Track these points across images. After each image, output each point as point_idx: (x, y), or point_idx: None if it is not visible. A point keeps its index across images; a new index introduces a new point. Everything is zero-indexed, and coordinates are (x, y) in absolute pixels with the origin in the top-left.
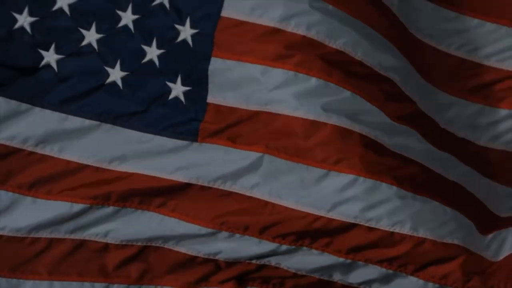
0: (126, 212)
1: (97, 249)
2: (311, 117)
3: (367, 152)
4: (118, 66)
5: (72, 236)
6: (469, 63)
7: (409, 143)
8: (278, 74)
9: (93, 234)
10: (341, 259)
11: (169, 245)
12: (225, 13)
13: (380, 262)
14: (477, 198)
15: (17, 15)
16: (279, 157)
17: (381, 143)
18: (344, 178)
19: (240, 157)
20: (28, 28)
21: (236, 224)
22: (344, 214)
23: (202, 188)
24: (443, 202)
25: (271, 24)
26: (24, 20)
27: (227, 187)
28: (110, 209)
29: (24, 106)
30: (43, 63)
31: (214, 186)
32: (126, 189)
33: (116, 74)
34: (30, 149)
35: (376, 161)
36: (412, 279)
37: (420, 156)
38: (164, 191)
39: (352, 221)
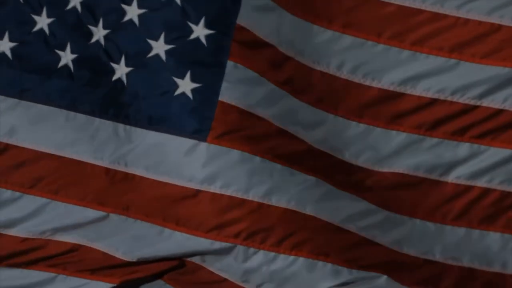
0: (140, 226)
1: (116, 264)
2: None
3: None
4: (123, 61)
5: (95, 246)
6: None
7: None
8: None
9: (107, 246)
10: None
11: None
12: (239, 20)
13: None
14: None
15: (36, 17)
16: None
17: None
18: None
19: (253, 162)
20: (46, 30)
21: (251, 236)
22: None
23: (213, 196)
24: None
25: (273, 42)
26: (43, 22)
27: (240, 194)
28: (125, 220)
29: (46, 108)
30: (60, 64)
31: (227, 194)
32: (142, 198)
33: (121, 71)
34: (59, 153)
35: None
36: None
37: None
38: (176, 201)
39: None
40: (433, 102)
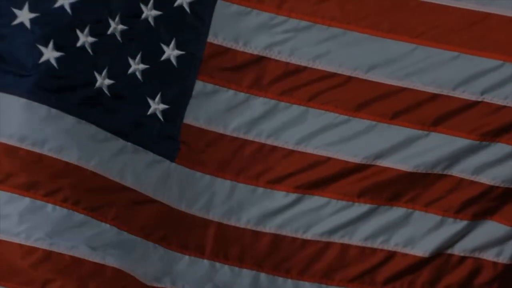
0: (127, 239)
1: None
2: (290, 146)
3: None
4: (105, 72)
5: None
6: None
7: None
8: (260, 102)
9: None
10: None
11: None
12: (211, 39)
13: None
14: None
15: (17, 11)
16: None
17: None
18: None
19: (217, 184)
20: (27, 24)
21: (231, 255)
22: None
23: (185, 214)
24: None
25: (255, 52)
26: (24, 16)
27: (210, 216)
28: (110, 229)
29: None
30: (42, 59)
31: (199, 215)
32: (125, 208)
33: (102, 81)
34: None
35: None
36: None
37: None
38: (158, 218)
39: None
40: (434, 97)
